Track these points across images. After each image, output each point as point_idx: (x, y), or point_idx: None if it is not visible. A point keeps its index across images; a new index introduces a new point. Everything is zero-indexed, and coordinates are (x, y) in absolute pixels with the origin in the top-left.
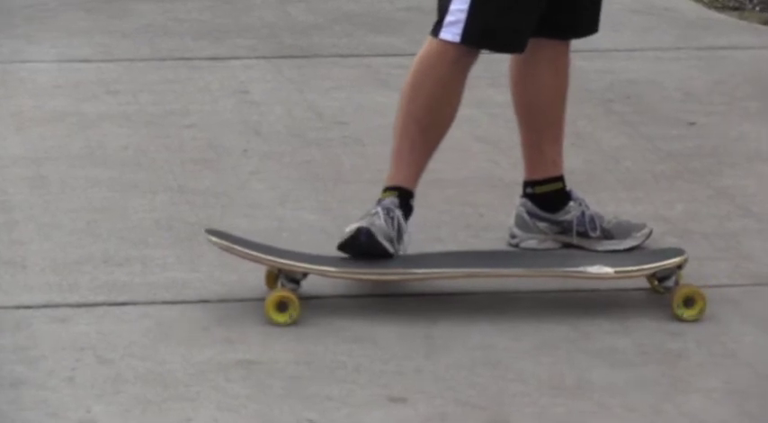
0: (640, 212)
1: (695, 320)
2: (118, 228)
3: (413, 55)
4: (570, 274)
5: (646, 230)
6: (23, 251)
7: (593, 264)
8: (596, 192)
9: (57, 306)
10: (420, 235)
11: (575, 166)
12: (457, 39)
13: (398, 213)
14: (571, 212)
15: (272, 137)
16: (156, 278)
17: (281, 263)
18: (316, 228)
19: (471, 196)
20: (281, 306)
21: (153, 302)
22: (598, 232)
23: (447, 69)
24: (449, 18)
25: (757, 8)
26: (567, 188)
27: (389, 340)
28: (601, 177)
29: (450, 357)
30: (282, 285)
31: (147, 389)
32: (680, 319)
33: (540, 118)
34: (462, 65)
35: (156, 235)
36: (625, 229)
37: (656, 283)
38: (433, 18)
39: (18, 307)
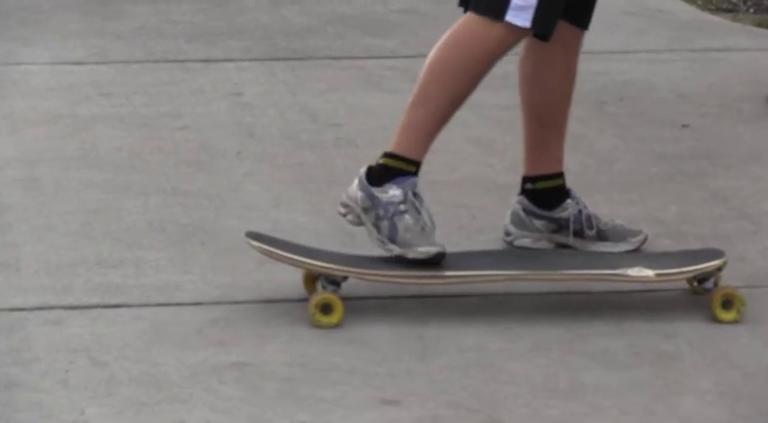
0: (634, 214)
1: (735, 322)
2: (111, 230)
3: (406, 57)
4: (610, 277)
5: (641, 237)
6: (17, 253)
7: (632, 266)
8: (590, 194)
9: (50, 308)
10: None
11: (568, 168)
12: (527, 24)
13: (421, 197)
14: (568, 210)
15: (265, 139)
16: (149, 280)
17: (322, 266)
18: (309, 229)
19: (464, 198)
20: (326, 308)
21: (146, 305)
22: (594, 232)
23: (501, 52)
24: (516, 2)
25: (751, 10)
26: (567, 186)
27: (382, 342)
28: (594, 179)
29: (444, 359)
30: (323, 287)
31: (141, 391)
32: (719, 322)
33: (550, 116)
34: (512, 48)
35: (150, 237)
36: (620, 233)
37: (695, 284)
38: (428, 20)
39: (12, 309)
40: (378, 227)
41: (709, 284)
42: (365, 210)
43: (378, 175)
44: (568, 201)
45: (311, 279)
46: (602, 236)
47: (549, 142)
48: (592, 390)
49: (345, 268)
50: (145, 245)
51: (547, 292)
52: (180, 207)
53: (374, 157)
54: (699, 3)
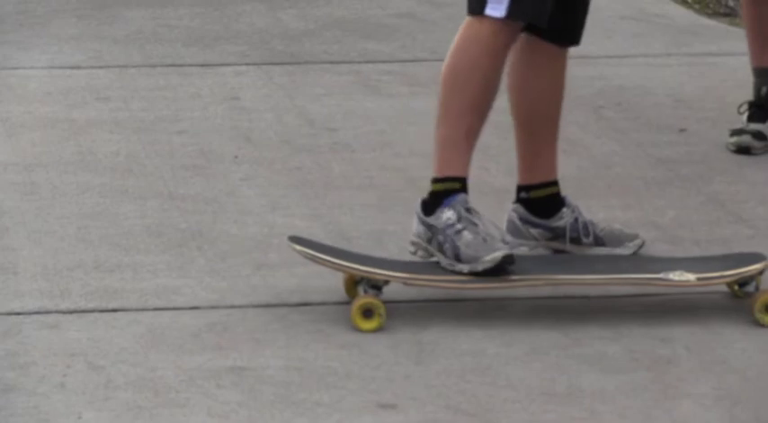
0: (631, 219)
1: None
2: (109, 234)
3: (404, 61)
4: (651, 281)
5: (638, 241)
6: (14, 257)
7: (673, 269)
8: (587, 198)
9: (48, 312)
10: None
11: (565, 173)
12: (502, 14)
13: (475, 210)
14: (564, 218)
15: (262, 143)
16: (146, 284)
17: (364, 270)
18: (306, 234)
19: None
20: (367, 313)
21: (144, 309)
22: (590, 239)
23: (497, 48)
24: None
25: None
26: (562, 194)
27: (380, 346)
28: (591, 184)
29: (441, 364)
30: (365, 292)
31: (138, 395)
32: (761, 325)
33: (540, 122)
34: (511, 42)
35: (147, 241)
36: (617, 238)
37: (736, 287)
38: (425, 24)
39: (9, 313)
40: (443, 252)
41: (750, 288)
42: (429, 241)
43: (430, 204)
44: (564, 210)
45: (352, 283)
46: (599, 241)
47: (541, 150)
48: (589, 394)
49: (388, 273)
50: (142, 249)
51: (543, 296)
52: (177, 211)
53: (370, 161)
54: (696, 7)
